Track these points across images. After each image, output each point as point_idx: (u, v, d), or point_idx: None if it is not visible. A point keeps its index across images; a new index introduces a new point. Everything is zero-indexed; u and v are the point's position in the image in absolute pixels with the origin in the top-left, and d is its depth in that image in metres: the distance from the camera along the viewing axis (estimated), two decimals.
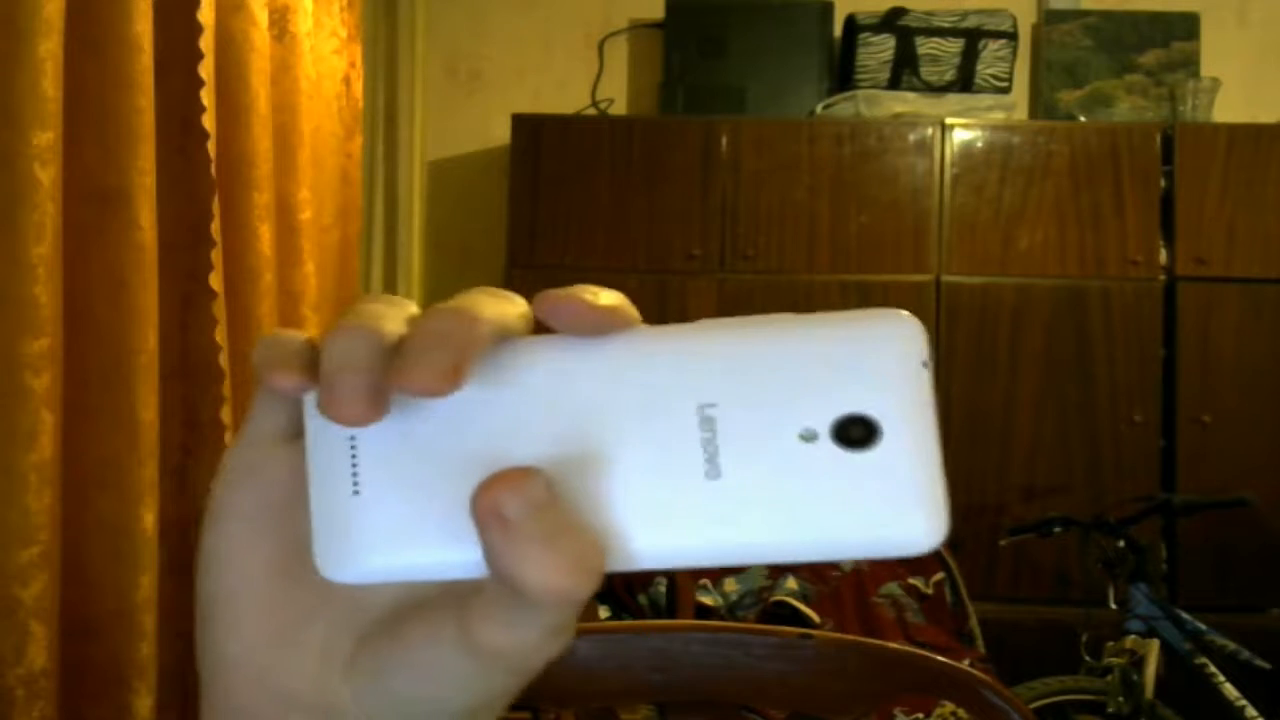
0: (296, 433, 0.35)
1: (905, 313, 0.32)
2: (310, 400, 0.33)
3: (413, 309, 0.33)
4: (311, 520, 0.33)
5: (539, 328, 0.33)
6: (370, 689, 0.34)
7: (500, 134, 3.76)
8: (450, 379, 0.30)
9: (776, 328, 0.32)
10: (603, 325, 0.32)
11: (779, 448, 0.31)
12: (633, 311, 0.33)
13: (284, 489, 0.35)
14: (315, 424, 0.33)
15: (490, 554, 0.30)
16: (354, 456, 0.33)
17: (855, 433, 0.31)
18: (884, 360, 0.31)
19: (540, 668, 0.33)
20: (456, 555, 0.32)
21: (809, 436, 0.31)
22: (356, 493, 0.33)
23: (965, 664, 1.28)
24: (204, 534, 0.35)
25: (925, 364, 0.31)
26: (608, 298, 0.32)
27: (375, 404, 0.31)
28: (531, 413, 0.32)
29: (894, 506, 0.30)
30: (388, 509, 0.32)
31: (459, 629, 0.32)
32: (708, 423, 0.31)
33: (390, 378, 0.30)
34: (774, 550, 0.31)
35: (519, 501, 0.30)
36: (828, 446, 0.31)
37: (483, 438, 0.32)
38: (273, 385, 0.32)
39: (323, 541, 0.33)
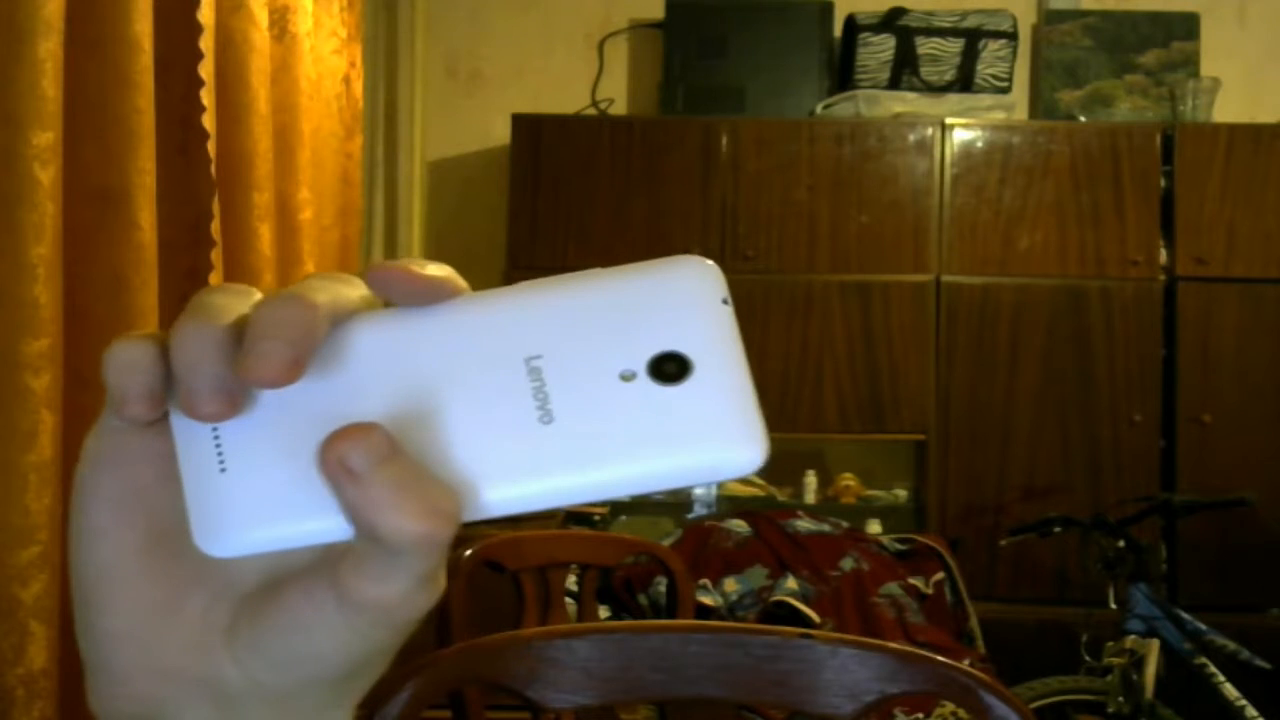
0: (155, 418, 0.36)
1: (702, 257, 0.35)
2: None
3: (258, 295, 0.35)
4: (186, 500, 0.34)
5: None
6: (252, 654, 0.36)
7: (500, 134, 3.76)
8: (291, 371, 0.32)
9: (586, 281, 0.35)
10: (430, 293, 0.34)
11: (603, 389, 0.33)
12: (460, 281, 0.35)
13: (149, 471, 0.36)
14: (177, 410, 0.35)
15: (346, 507, 0.32)
16: (216, 437, 0.34)
17: (669, 369, 0.33)
18: (687, 301, 0.34)
19: (415, 620, 0.35)
20: (323, 520, 0.33)
21: (628, 376, 0.33)
22: (223, 470, 0.34)
23: (965, 664, 1.28)
24: (74, 516, 0.36)
25: (726, 301, 0.34)
26: (434, 268, 0.34)
27: (230, 400, 0.33)
28: (374, 380, 0.34)
29: (714, 434, 0.33)
30: (253, 483, 0.34)
31: (333, 587, 0.34)
32: (535, 373, 0.34)
33: (236, 372, 0.32)
34: (610, 486, 0.33)
35: (361, 452, 0.31)
36: (646, 384, 0.33)
37: (331, 407, 0.34)
38: (126, 419, 0.34)
39: (198, 519, 0.34)
